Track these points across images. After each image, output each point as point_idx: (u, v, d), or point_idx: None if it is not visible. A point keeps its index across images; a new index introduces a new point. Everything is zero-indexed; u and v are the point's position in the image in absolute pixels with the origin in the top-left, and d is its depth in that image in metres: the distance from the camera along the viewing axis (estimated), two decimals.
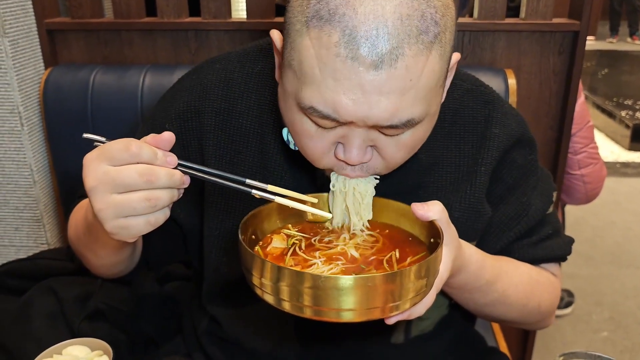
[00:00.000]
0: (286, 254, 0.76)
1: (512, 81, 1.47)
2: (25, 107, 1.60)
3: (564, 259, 1.04)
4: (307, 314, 0.65)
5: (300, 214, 0.84)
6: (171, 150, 0.72)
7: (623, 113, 5.32)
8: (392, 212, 0.83)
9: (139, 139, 0.71)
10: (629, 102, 5.73)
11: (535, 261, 1.01)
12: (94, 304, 1.23)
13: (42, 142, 1.67)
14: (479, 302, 0.94)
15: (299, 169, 0.92)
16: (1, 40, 1.52)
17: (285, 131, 0.86)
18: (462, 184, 0.94)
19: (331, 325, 0.70)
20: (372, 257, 0.76)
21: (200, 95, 0.96)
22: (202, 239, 1.00)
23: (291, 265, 0.73)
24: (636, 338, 2.54)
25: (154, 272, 1.32)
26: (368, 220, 0.83)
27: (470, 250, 0.85)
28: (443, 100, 0.81)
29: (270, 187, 0.74)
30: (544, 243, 1.01)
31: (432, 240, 0.76)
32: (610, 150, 5.01)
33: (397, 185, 0.90)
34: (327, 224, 0.84)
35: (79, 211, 0.96)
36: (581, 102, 1.85)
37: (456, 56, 0.79)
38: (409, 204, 0.76)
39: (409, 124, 0.71)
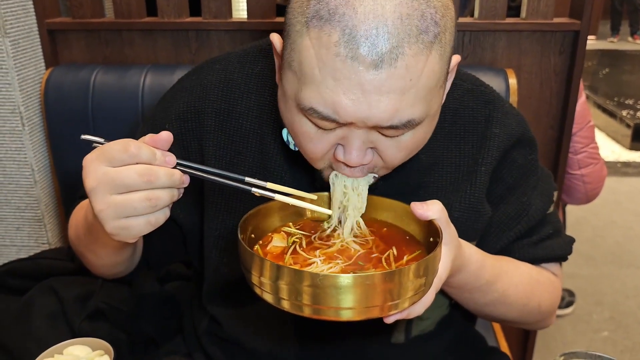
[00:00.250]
0: (286, 253, 0.76)
1: (512, 81, 1.47)
2: (26, 107, 1.60)
3: (565, 259, 1.04)
4: (306, 312, 0.66)
5: (300, 212, 0.85)
6: (171, 151, 0.72)
7: (624, 113, 5.32)
8: (392, 211, 0.83)
9: (138, 139, 0.72)
10: (629, 101, 5.73)
11: (535, 261, 1.01)
12: (94, 304, 1.23)
13: (43, 142, 1.68)
14: (479, 302, 0.94)
15: (298, 170, 0.92)
16: (2, 40, 1.52)
17: (285, 132, 0.86)
18: (462, 183, 0.94)
19: (331, 325, 0.70)
20: (371, 256, 0.76)
21: (200, 96, 0.97)
22: (202, 239, 1.01)
23: (291, 264, 0.73)
24: (637, 338, 2.54)
25: (154, 272, 1.32)
26: (368, 220, 0.83)
27: (470, 250, 0.85)
28: (443, 102, 0.81)
29: (269, 185, 0.74)
30: (544, 243, 1.01)
31: (431, 239, 0.76)
32: (611, 149, 5.01)
33: (397, 185, 0.90)
34: (324, 224, 0.84)
35: (80, 211, 0.96)
36: (582, 102, 1.85)
37: (456, 58, 0.79)
38: (409, 203, 0.76)
39: (409, 125, 0.71)
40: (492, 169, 0.95)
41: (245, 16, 1.62)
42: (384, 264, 0.74)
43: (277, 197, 0.75)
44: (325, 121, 0.71)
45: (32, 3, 1.60)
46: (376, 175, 0.81)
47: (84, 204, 0.95)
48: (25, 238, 1.74)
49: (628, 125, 5.12)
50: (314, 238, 0.80)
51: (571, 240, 1.04)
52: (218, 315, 1.05)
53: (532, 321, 1.04)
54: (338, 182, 0.80)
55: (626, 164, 4.66)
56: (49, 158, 1.68)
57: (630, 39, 9.64)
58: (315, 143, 0.76)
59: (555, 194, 1.04)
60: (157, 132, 0.72)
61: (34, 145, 1.64)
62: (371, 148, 0.76)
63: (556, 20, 1.54)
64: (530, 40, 1.56)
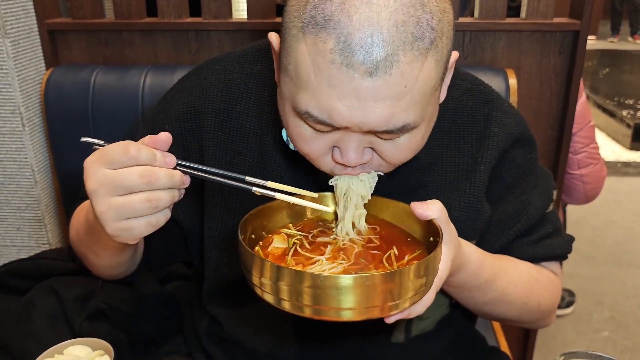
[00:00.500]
0: (287, 254, 0.76)
1: (512, 81, 1.47)
2: (26, 107, 1.61)
3: (565, 258, 1.04)
4: (307, 313, 0.66)
5: (301, 212, 0.85)
6: (171, 152, 0.72)
7: (624, 112, 5.32)
8: (392, 211, 0.83)
9: (139, 140, 0.72)
10: (630, 101, 5.73)
11: (535, 260, 1.01)
12: (94, 304, 1.23)
13: (43, 143, 1.68)
14: (479, 301, 0.95)
15: (298, 169, 0.92)
16: (2, 41, 1.52)
17: (284, 132, 0.86)
18: (462, 182, 0.94)
19: (331, 324, 0.70)
20: (372, 255, 0.76)
21: (200, 96, 0.97)
22: (203, 239, 1.01)
23: (293, 265, 0.73)
24: (637, 338, 2.54)
25: (155, 272, 1.32)
26: (367, 219, 0.83)
27: (470, 249, 0.85)
28: (442, 99, 0.81)
29: (270, 184, 0.75)
30: (544, 242, 1.01)
31: (431, 239, 0.76)
32: (611, 149, 5.01)
33: (397, 184, 0.90)
34: (327, 223, 0.84)
35: (80, 213, 0.97)
36: (582, 102, 1.85)
37: (455, 55, 0.78)
38: (409, 203, 0.76)
39: (404, 129, 0.71)
40: (491, 168, 0.95)
41: (245, 16, 1.62)
42: (385, 264, 0.74)
43: (278, 195, 0.75)
44: (320, 124, 0.71)
45: (33, 4, 1.60)
46: (381, 174, 0.81)
47: (85, 205, 0.96)
48: (25, 238, 1.74)
49: (628, 125, 5.12)
50: (311, 237, 0.80)
51: (571, 239, 1.04)
52: (218, 315, 1.05)
53: (532, 320, 1.04)
54: (342, 178, 0.80)
55: (626, 164, 4.66)
56: (49, 158, 1.68)
57: (630, 39, 9.64)
58: (311, 145, 0.76)
59: (555, 193, 1.04)
60: (157, 132, 0.72)
61: (34, 145, 1.64)
62: (370, 148, 0.76)
63: (556, 20, 1.54)
64: (530, 40, 1.56)
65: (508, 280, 0.94)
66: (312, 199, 0.80)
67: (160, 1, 1.60)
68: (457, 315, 1.06)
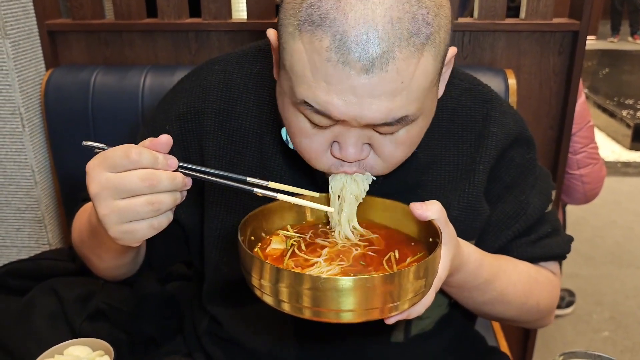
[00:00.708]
0: (285, 255, 0.76)
1: (512, 81, 1.48)
2: (26, 108, 1.61)
3: (563, 258, 1.04)
4: (307, 315, 0.66)
5: (299, 214, 0.85)
6: (172, 152, 0.72)
7: (624, 112, 5.32)
8: (391, 211, 0.83)
9: (139, 141, 0.72)
10: (630, 101, 5.73)
11: (534, 260, 1.01)
12: (95, 304, 1.23)
13: (43, 143, 1.68)
14: (478, 301, 0.95)
15: (298, 169, 0.92)
16: (2, 41, 1.52)
17: (284, 131, 0.86)
18: (461, 182, 0.95)
19: (331, 325, 0.70)
20: (371, 256, 0.76)
21: (200, 97, 0.97)
22: (203, 238, 1.01)
23: (292, 267, 0.73)
24: (637, 338, 2.54)
25: (156, 273, 1.32)
26: (367, 220, 0.83)
27: (469, 249, 0.85)
28: (440, 95, 0.81)
29: (271, 184, 0.75)
30: (542, 241, 1.01)
31: (430, 239, 0.76)
32: (611, 149, 5.01)
33: (395, 184, 0.90)
34: (326, 225, 0.85)
35: (83, 215, 0.97)
36: (581, 102, 1.85)
37: (453, 50, 0.78)
38: (408, 203, 0.76)
39: (403, 121, 0.71)
40: (490, 167, 0.95)
41: (245, 17, 1.62)
42: (385, 266, 0.74)
43: (280, 196, 0.75)
44: (319, 116, 0.71)
45: (33, 4, 1.60)
46: (374, 178, 0.81)
47: (87, 207, 0.96)
48: (25, 239, 1.75)
49: (628, 125, 5.12)
50: (309, 238, 0.80)
51: (570, 239, 1.04)
52: (218, 315, 1.05)
53: (531, 320, 1.05)
54: (337, 177, 0.80)
55: (626, 164, 4.66)
56: (49, 159, 1.69)
57: (630, 39, 9.64)
58: (311, 140, 0.76)
59: (554, 193, 1.04)
60: (158, 133, 0.72)
61: (34, 146, 1.64)
62: (368, 144, 0.76)
63: (555, 20, 1.54)
64: (530, 40, 1.56)
65: (507, 280, 0.94)
66: (313, 199, 0.80)
67: (160, 2, 1.60)
68: (456, 315, 1.06)
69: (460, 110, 0.96)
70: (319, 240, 0.80)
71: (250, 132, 0.95)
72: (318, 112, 0.71)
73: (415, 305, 0.72)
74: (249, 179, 0.75)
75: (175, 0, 1.59)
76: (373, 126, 0.72)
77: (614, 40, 9.64)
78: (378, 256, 0.76)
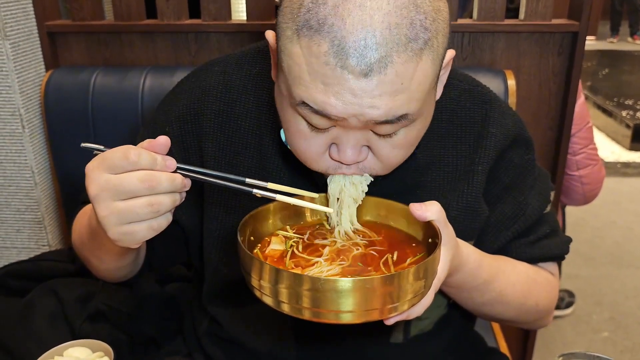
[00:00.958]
0: (285, 256, 0.76)
1: (511, 82, 1.48)
2: (26, 109, 1.61)
3: (562, 258, 1.04)
4: (306, 315, 0.66)
5: (298, 214, 0.85)
6: (172, 153, 0.72)
7: (624, 113, 5.32)
8: (390, 212, 0.84)
9: (139, 142, 0.72)
10: (629, 102, 5.73)
11: (532, 260, 1.01)
12: (95, 305, 1.23)
13: (43, 144, 1.68)
14: (477, 301, 0.95)
15: (297, 170, 0.92)
16: (2, 43, 1.52)
17: (283, 132, 0.86)
18: (460, 183, 0.95)
19: (331, 325, 0.70)
20: (371, 256, 0.76)
21: (199, 98, 0.97)
22: (203, 239, 1.01)
23: (292, 267, 0.73)
24: (636, 338, 2.54)
25: (154, 273, 1.32)
26: (366, 220, 0.83)
27: (468, 250, 0.86)
28: (439, 97, 0.82)
29: (270, 185, 0.75)
30: (541, 242, 1.01)
31: (429, 240, 0.76)
32: (611, 150, 5.01)
33: (394, 185, 0.90)
34: (325, 224, 0.85)
35: (83, 217, 0.97)
36: (581, 103, 1.85)
37: (451, 53, 0.79)
38: (407, 203, 0.77)
39: (403, 119, 0.71)
40: (488, 168, 0.95)
41: (245, 18, 1.63)
42: (382, 267, 0.74)
43: (279, 197, 0.75)
44: (318, 116, 0.71)
45: (32, 6, 1.60)
46: (372, 179, 0.81)
47: (86, 209, 0.96)
48: (25, 240, 1.75)
49: (628, 126, 5.12)
50: (308, 239, 0.80)
51: (568, 240, 1.04)
52: (218, 316, 1.05)
53: (530, 320, 1.05)
54: (335, 179, 0.80)
55: (626, 165, 4.66)
56: (49, 160, 1.69)
57: (630, 39, 9.64)
58: (309, 142, 0.76)
59: (553, 194, 1.04)
60: (157, 135, 0.72)
61: (34, 147, 1.65)
62: (366, 146, 0.76)
63: (555, 21, 1.54)
64: (529, 41, 1.56)
65: (506, 281, 0.94)
66: (312, 200, 0.81)
67: (160, 3, 1.60)
68: (455, 316, 1.07)
69: (460, 111, 0.96)
70: (318, 241, 0.80)
71: (250, 133, 0.95)
72: (316, 112, 0.71)
73: (415, 306, 0.72)
74: (248, 180, 0.75)
75: (174, 1, 1.60)
76: (373, 125, 0.72)
77: (613, 40, 9.64)
78: (379, 256, 0.76)
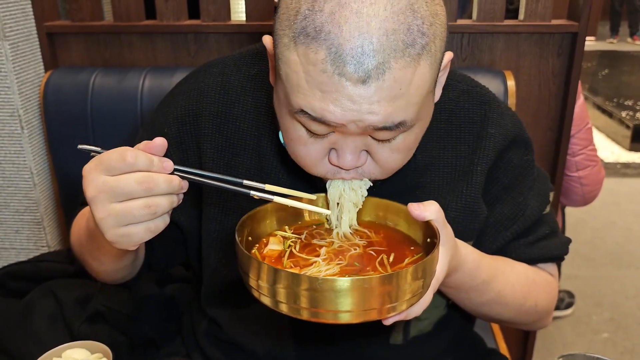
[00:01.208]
0: (284, 256, 0.76)
1: (511, 83, 1.48)
2: (25, 110, 1.61)
3: (561, 259, 1.04)
4: (305, 315, 0.66)
5: (297, 214, 0.85)
6: (170, 154, 0.72)
7: (623, 114, 5.32)
8: (389, 212, 0.84)
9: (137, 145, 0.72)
10: (629, 102, 5.73)
11: (531, 261, 1.01)
12: (94, 306, 1.23)
13: (42, 145, 1.68)
14: (475, 302, 0.95)
15: (296, 172, 0.92)
16: (1, 43, 1.52)
17: (281, 134, 0.86)
18: (459, 184, 0.95)
19: (330, 325, 0.70)
20: (369, 256, 0.76)
21: (198, 99, 0.97)
22: (201, 240, 1.01)
23: (290, 267, 0.73)
24: (636, 339, 2.54)
25: (154, 273, 1.32)
26: (365, 221, 0.83)
27: (467, 250, 0.86)
28: (437, 99, 0.82)
29: (267, 186, 0.75)
30: (540, 243, 1.01)
31: (428, 240, 0.76)
32: (610, 150, 5.01)
33: (394, 186, 0.90)
34: (325, 225, 0.85)
35: (81, 219, 0.97)
36: (580, 104, 1.85)
37: (449, 55, 0.79)
38: (406, 204, 0.76)
39: (401, 126, 0.71)
40: (487, 169, 0.95)
41: (244, 19, 1.63)
42: (378, 267, 0.74)
43: (276, 199, 0.75)
44: (316, 123, 0.71)
45: (32, 6, 1.60)
46: (371, 184, 0.81)
47: (85, 211, 0.96)
48: (24, 241, 1.74)
49: (627, 126, 5.12)
50: (305, 238, 0.80)
51: (568, 241, 1.04)
52: (217, 317, 1.05)
53: (529, 321, 1.05)
54: (335, 184, 0.80)
55: (626, 165, 4.66)
56: (48, 161, 1.69)
57: (629, 39, 9.64)
58: (308, 148, 0.76)
59: (552, 194, 1.04)
60: (156, 136, 0.72)
61: (33, 148, 1.64)
62: (365, 151, 0.76)
63: (554, 22, 1.54)
64: (529, 42, 1.56)
65: (505, 281, 0.94)
66: (310, 201, 0.80)
67: (159, 4, 1.60)
68: (455, 317, 1.06)
69: (458, 112, 0.96)
70: (316, 241, 0.80)
71: (248, 134, 0.95)
72: (315, 119, 0.71)
73: (413, 306, 0.72)
74: (246, 182, 0.75)
75: (174, 2, 1.59)
76: (371, 131, 0.72)
77: (613, 41, 9.65)
78: (378, 256, 0.76)
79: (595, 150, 1.96)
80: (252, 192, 0.74)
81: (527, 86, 1.60)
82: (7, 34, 1.53)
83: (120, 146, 0.71)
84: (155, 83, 1.54)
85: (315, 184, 0.90)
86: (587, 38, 1.52)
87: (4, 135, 1.62)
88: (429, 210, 0.75)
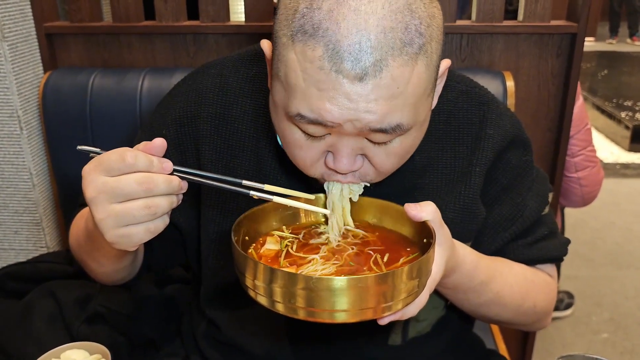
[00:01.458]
0: (280, 256, 0.76)
1: (510, 83, 1.48)
2: (24, 110, 1.61)
3: (560, 260, 1.04)
4: (301, 315, 0.66)
5: (294, 215, 0.85)
6: (169, 155, 0.72)
7: (623, 114, 5.32)
8: (386, 213, 0.84)
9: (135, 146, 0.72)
10: (628, 103, 5.73)
11: (530, 262, 1.01)
12: (93, 307, 1.23)
13: (41, 146, 1.68)
14: (474, 303, 0.95)
15: (294, 173, 0.92)
16: (0, 44, 1.52)
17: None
18: (457, 185, 0.95)
19: (328, 326, 0.71)
20: (365, 256, 0.76)
21: (196, 101, 0.97)
22: (200, 242, 1.01)
23: (287, 266, 0.73)
24: (636, 339, 2.54)
25: (153, 274, 1.32)
26: (362, 221, 0.83)
27: (465, 251, 0.86)
28: (434, 106, 0.82)
29: (267, 187, 0.75)
30: (539, 244, 1.01)
31: (425, 241, 0.76)
32: (610, 151, 5.01)
33: (392, 187, 0.90)
34: (321, 227, 0.85)
35: (80, 220, 0.97)
36: (579, 105, 1.85)
37: (446, 63, 0.79)
38: (403, 205, 0.76)
39: (398, 129, 0.71)
40: (486, 169, 0.95)
41: (243, 19, 1.63)
42: (373, 266, 0.74)
43: (275, 199, 0.75)
44: (313, 126, 0.71)
45: (31, 7, 1.60)
46: (367, 184, 0.81)
47: (84, 212, 0.96)
48: (23, 242, 1.74)
49: (627, 127, 5.12)
50: (303, 238, 0.80)
51: (566, 242, 1.04)
52: (216, 318, 1.05)
53: (528, 322, 1.05)
54: (332, 186, 0.81)
55: (625, 166, 4.67)
56: (47, 162, 1.69)
57: (629, 40, 9.64)
58: (305, 151, 0.76)
59: (551, 195, 1.04)
60: (155, 138, 0.72)
61: (32, 149, 1.64)
62: (361, 155, 0.76)
63: (553, 22, 1.54)
64: (528, 42, 1.56)
65: (503, 282, 0.94)
66: (308, 201, 0.80)
67: (158, 4, 1.60)
68: (453, 318, 1.06)
69: (457, 112, 0.96)
70: (313, 241, 0.80)
71: (247, 136, 0.95)
72: (312, 122, 0.71)
73: (409, 306, 0.72)
74: (245, 182, 0.75)
75: (173, 2, 1.60)
76: (368, 132, 0.72)
77: (612, 41, 9.65)
78: (371, 256, 0.76)
79: (594, 151, 1.96)
80: (252, 192, 0.74)
81: (526, 87, 1.60)
82: (6, 34, 1.53)
83: (120, 147, 0.71)
84: (154, 84, 1.54)
85: (314, 186, 0.90)
86: (587, 39, 1.52)
87: (3, 136, 1.62)
88: (426, 211, 0.75)
